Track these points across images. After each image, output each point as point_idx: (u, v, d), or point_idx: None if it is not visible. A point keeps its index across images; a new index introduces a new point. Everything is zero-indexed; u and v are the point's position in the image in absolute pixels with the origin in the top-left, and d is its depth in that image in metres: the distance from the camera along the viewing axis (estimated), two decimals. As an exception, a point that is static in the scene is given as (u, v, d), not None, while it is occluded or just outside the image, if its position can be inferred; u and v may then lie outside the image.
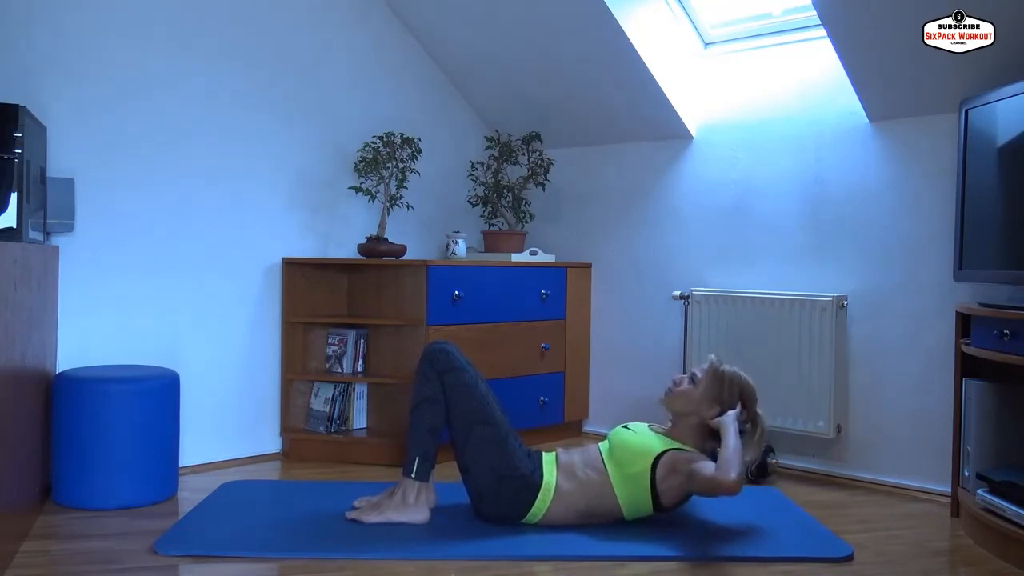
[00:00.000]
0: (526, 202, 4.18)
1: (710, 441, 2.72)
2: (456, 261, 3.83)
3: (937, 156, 3.18)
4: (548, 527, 2.65)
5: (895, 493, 3.24)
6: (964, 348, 2.79)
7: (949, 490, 2.95)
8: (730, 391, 2.72)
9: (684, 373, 2.83)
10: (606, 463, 2.68)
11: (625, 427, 2.81)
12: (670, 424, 2.80)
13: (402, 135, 3.74)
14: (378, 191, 3.76)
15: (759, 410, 2.74)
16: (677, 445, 2.68)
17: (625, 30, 3.56)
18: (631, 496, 2.64)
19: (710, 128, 3.85)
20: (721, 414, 2.69)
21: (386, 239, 3.71)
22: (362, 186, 3.72)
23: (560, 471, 2.70)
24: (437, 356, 2.75)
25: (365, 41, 3.98)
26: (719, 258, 3.79)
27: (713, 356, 2.80)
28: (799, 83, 3.58)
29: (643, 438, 2.71)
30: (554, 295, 4.01)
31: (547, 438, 3.97)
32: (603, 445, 2.78)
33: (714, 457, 2.59)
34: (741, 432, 2.65)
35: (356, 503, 2.78)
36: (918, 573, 2.40)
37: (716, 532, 2.68)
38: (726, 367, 2.75)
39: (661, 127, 3.92)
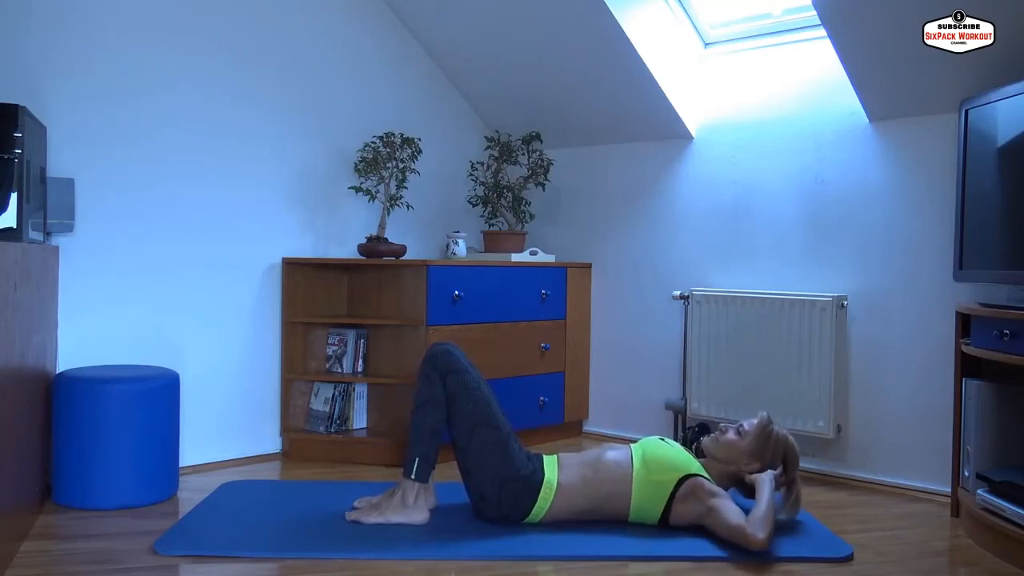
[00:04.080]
0: (526, 202, 4.18)
1: (736, 490, 2.73)
2: (456, 261, 3.83)
3: (937, 156, 3.18)
4: (550, 525, 2.65)
5: (895, 493, 3.24)
6: (964, 348, 2.79)
7: (949, 490, 2.95)
8: (774, 451, 2.72)
9: (732, 424, 2.83)
10: (635, 461, 2.69)
11: (663, 439, 2.82)
12: (703, 460, 2.80)
13: (402, 135, 3.74)
14: (378, 191, 3.76)
15: (797, 476, 2.75)
16: (707, 475, 2.69)
17: (625, 30, 3.56)
18: (645, 500, 2.64)
19: (710, 128, 3.85)
20: (760, 471, 2.69)
21: (386, 239, 3.71)
22: (362, 186, 3.72)
23: (562, 470, 2.70)
24: (440, 357, 2.75)
25: (365, 41, 3.98)
26: (719, 258, 3.79)
27: (764, 413, 2.78)
28: (799, 83, 3.58)
29: (681, 455, 2.72)
30: (554, 295, 4.01)
31: (547, 438, 3.97)
32: (635, 447, 2.78)
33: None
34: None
35: (356, 503, 2.78)
36: (918, 573, 2.40)
37: (716, 532, 2.68)
38: (775, 427, 2.75)
39: (661, 127, 3.92)
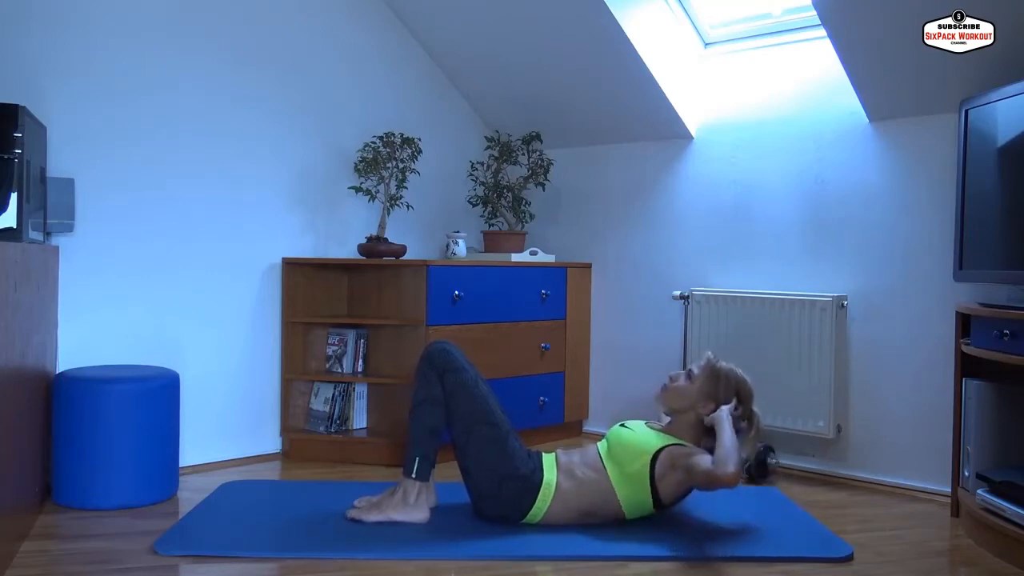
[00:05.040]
0: (526, 202, 4.18)
1: (707, 438, 2.72)
2: (456, 261, 3.84)
3: (937, 156, 3.18)
4: (548, 527, 2.65)
5: (895, 493, 3.24)
6: (964, 348, 2.79)
7: (949, 490, 2.95)
8: (726, 387, 2.73)
9: (682, 370, 2.84)
10: (605, 463, 2.68)
11: (623, 425, 2.81)
12: (668, 421, 2.81)
13: (402, 135, 3.74)
14: (378, 191, 3.76)
15: (754, 407, 2.75)
16: (675, 441, 2.68)
17: (625, 30, 3.56)
18: (631, 495, 2.64)
19: (710, 128, 3.85)
20: (715, 410, 2.70)
21: (386, 239, 3.71)
22: (362, 186, 3.72)
23: (560, 471, 2.70)
24: (437, 356, 2.75)
25: (366, 41, 3.98)
26: (719, 258, 3.79)
27: (710, 353, 2.81)
28: (799, 83, 3.58)
29: (641, 436, 2.71)
30: (554, 295, 4.01)
31: (547, 438, 3.97)
32: (601, 445, 2.78)
33: (712, 452, 2.60)
34: (737, 429, 2.66)
35: (356, 503, 2.78)
36: (918, 573, 2.40)
37: (716, 532, 2.68)
38: (722, 363, 2.76)
39: (661, 127, 3.92)
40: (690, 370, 2.80)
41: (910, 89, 3.17)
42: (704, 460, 2.55)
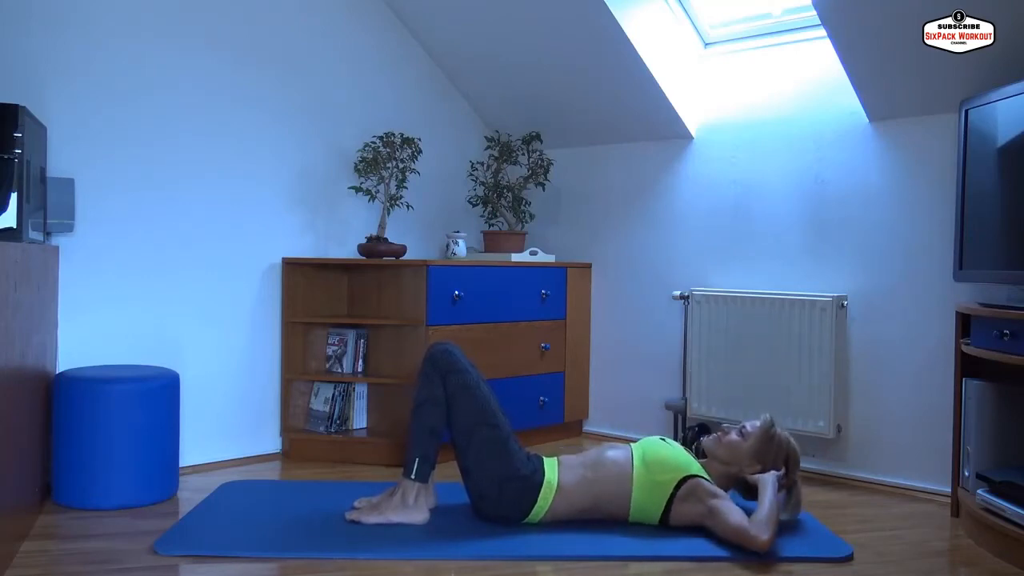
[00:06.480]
0: (526, 202, 4.18)
1: (735, 489, 2.74)
2: (456, 261, 3.84)
3: (937, 156, 3.18)
4: (550, 525, 2.65)
5: (895, 493, 3.24)
6: (964, 348, 2.79)
7: (949, 490, 2.95)
8: (776, 453, 2.72)
9: (734, 425, 2.82)
10: (635, 462, 2.68)
11: (663, 439, 2.82)
12: (704, 460, 2.81)
13: (402, 135, 3.74)
14: (378, 191, 3.76)
15: (798, 478, 2.75)
16: (707, 476, 2.69)
17: (625, 30, 3.56)
18: (645, 501, 2.64)
19: (710, 128, 3.85)
20: (762, 472, 2.69)
21: (386, 239, 3.71)
22: (362, 186, 3.72)
23: (563, 470, 2.70)
24: (440, 357, 2.75)
25: (365, 41, 3.98)
26: (719, 258, 3.79)
27: (767, 415, 2.77)
28: (799, 83, 3.58)
29: (682, 455, 2.72)
30: (554, 295, 4.01)
31: (547, 438, 3.97)
32: (636, 447, 2.78)
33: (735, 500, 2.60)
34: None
35: (356, 503, 2.78)
36: (918, 573, 2.40)
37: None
38: (778, 429, 2.75)
39: (661, 127, 3.92)
40: (743, 427, 2.77)
41: (910, 89, 3.17)
42: (736, 513, 2.52)
